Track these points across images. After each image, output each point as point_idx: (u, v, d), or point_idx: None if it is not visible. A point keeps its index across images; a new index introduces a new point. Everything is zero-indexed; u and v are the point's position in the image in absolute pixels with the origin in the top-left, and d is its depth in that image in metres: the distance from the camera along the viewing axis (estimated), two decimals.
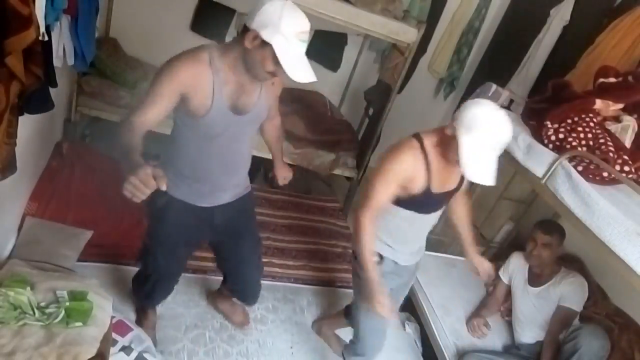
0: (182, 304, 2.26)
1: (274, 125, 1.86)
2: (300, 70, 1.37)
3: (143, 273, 1.91)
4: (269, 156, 2.00)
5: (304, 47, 1.38)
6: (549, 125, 2.04)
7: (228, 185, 1.68)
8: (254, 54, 1.37)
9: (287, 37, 1.32)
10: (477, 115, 1.43)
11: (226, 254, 1.91)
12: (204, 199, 1.65)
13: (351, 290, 2.82)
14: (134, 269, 2.30)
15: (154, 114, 1.40)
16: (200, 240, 1.89)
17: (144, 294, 1.95)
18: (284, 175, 1.95)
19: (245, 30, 1.37)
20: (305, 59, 1.40)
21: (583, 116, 2.01)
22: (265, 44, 1.34)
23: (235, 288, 2.07)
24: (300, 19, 1.35)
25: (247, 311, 2.34)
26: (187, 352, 2.05)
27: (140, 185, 1.06)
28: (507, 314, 2.55)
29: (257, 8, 1.34)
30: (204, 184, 1.62)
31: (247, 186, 1.80)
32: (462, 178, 1.66)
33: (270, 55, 1.35)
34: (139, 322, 2.02)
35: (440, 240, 3.18)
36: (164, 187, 1.08)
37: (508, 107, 2.48)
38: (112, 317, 1.67)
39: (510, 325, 2.49)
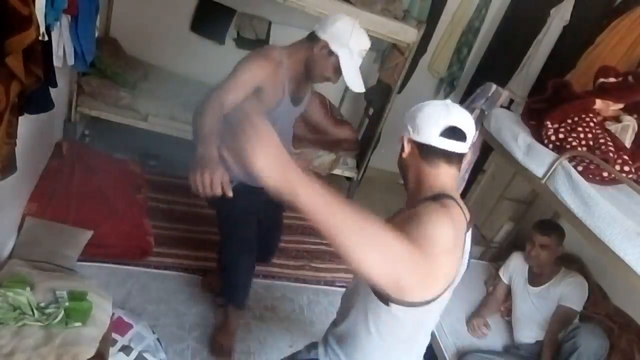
0: (183, 303, 2.26)
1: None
2: (356, 80, 1.62)
3: (227, 271, 2.04)
4: None
5: (360, 62, 1.62)
6: (549, 125, 2.03)
7: None
8: (318, 60, 1.60)
9: (352, 52, 1.57)
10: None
11: (265, 221, 2.07)
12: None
13: None
14: (134, 269, 2.32)
15: (231, 99, 1.51)
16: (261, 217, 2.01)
17: (239, 290, 2.06)
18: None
19: (312, 37, 1.62)
20: (359, 71, 1.63)
21: (583, 116, 2.00)
22: (331, 54, 1.58)
23: (262, 247, 2.09)
24: (365, 39, 1.60)
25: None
26: (192, 351, 2.06)
27: (209, 186, 1.15)
28: (507, 314, 2.54)
29: (330, 22, 1.58)
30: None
31: None
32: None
33: (333, 64, 1.59)
34: (224, 331, 2.12)
35: None
36: (230, 194, 1.17)
37: (508, 107, 2.48)
38: (112, 315, 1.67)
39: (510, 325, 2.49)
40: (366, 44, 1.60)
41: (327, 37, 1.57)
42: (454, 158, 1.09)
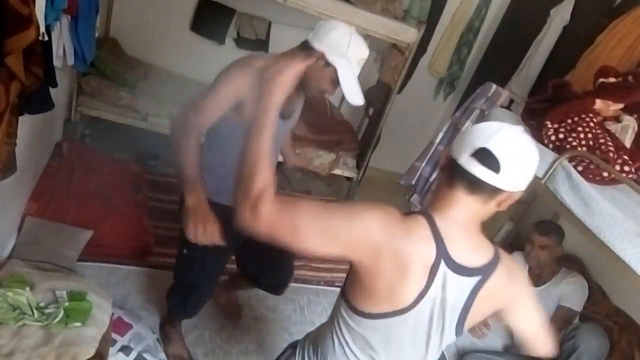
0: None
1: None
2: (355, 93, 1.46)
3: (182, 285, 1.83)
4: None
5: (359, 72, 1.48)
6: (549, 125, 2.04)
7: None
8: (314, 72, 1.43)
9: (351, 62, 1.43)
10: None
11: (260, 251, 1.89)
12: None
13: None
14: (134, 269, 2.32)
15: (210, 117, 1.44)
16: (240, 242, 1.79)
17: (187, 306, 1.85)
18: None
19: (305, 47, 1.46)
20: (358, 82, 1.48)
21: (583, 116, 2.01)
22: (328, 65, 1.42)
23: (267, 282, 1.99)
24: (364, 48, 1.46)
25: (240, 306, 2.35)
26: (191, 351, 2.05)
27: (204, 236, 1.23)
28: None
29: (325, 31, 1.43)
30: None
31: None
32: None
33: (330, 76, 1.44)
34: (166, 339, 1.99)
35: None
36: (221, 243, 1.24)
37: (508, 107, 2.48)
38: (112, 315, 1.67)
39: None
40: (365, 52, 1.48)
41: (323, 47, 1.43)
42: (479, 188, 0.92)
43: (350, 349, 1.03)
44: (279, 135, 1.63)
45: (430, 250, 0.91)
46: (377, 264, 0.90)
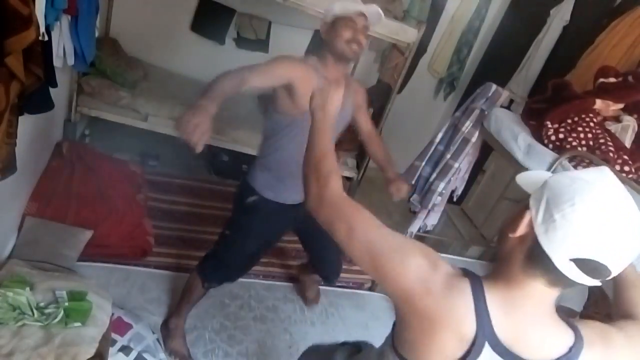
0: None
1: (374, 136, 1.98)
2: (357, 6, 1.57)
3: (217, 260, 1.90)
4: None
5: (359, 3, 1.59)
6: (549, 125, 2.03)
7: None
8: (330, 35, 1.60)
9: (343, 2, 1.58)
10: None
11: (311, 241, 2.13)
12: (297, 196, 1.73)
13: (351, 290, 2.83)
14: (134, 269, 2.32)
15: (255, 81, 1.47)
16: (282, 236, 2.03)
17: (218, 274, 1.91)
18: (397, 188, 1.84)
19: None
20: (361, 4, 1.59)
21: (583, 116, 2.00)
22: (331, 21, 1.59)
23: (319, 268, 2.31)
24: None
25: (319, 291, 2.62)
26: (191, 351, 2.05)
27: (186, 129, 1.12)
28: None
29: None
30: (299, 181, 1.72)
31: None
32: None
33: (338, 23, 1.58)
34: (168, 335, 2.02)
35: (440, 240, 3.19)
36: (197, 150, 1.13)
37: (508, 107, 2.48)
38: (112, 315, 1.67)
39: None
40: None
41: (325, 16, 1.63)
42: (568, 284, 0.75)
43: None
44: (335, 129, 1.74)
45: (468, 321, 0.76)
46: (406, 313, 0.82)
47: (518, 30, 3.55)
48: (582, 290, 2.25)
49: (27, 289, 1.50)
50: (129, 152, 3.10)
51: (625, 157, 1.87)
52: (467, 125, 2.36)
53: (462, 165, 2.46)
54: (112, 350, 1.68)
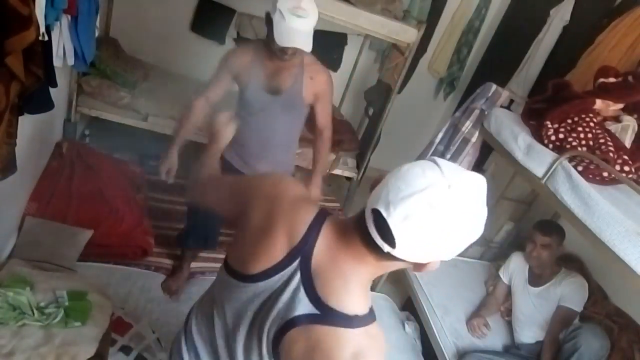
0: (183, 303, 2.25)
1: (322, 136, 2.04)
2: (286, 37, 1.57)
3: (186, 225, 2.26)
4: None
5: (300, 22, 1.56)
6: (549, 125, 2.03)
7: (262, 158, 1.92)
8: (269, 34, 1.63)
9: (283, 13, 1.55)
10: None
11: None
12: (243, 166, 1.94)
13: None
14: (134, 269, 2.32)
15: (214, 94, 1.85)
16: None
17: (183, 237, 2.25)
18: (310, 190, 2.03)
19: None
20: (301, 32, 1.58)
21: (583, 116, 2.00)
22: (270, 22, 1.60)
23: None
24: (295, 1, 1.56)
25: None
26: None
27: (162, 175, 1.80)
28: (507, 314, 2.55)
29: None
30: (243, 151, 1.91)
31: (287, 166, 2.09)
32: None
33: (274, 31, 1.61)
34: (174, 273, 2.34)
35: None
36: (169, 181, 1.82)
37: (508, 107, 2.48)
38: (112, 314, 1.67)
39: (510, 325, 2.49)
40: (295, 1, 1.55)
41: (269, 10, 1.62)
42: (375, 251, 0.76)
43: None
44: (274, 111, 1.84)
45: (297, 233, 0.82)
46: (251, 210, 0.88)
47: (518, 30, 3.55)
48: (582, 290, 2.25)
49: (28, 288, 1.50)
50: (129, 152, 3.10)
51: (625, 157, 1.88)
52: (467, 125, 2.37)
53: (462, 165, 2.46)
54: (112, 350, 1.68)
